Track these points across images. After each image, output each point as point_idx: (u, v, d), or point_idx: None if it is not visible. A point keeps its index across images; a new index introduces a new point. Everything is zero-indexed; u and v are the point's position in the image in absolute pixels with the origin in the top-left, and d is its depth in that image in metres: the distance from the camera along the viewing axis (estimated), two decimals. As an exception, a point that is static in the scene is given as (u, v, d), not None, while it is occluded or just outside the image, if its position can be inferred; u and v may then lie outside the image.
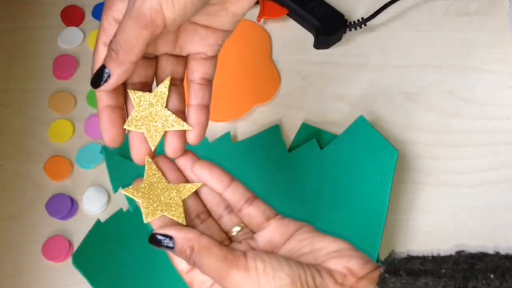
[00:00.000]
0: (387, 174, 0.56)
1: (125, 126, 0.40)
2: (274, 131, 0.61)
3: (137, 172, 0.57)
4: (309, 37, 0.66)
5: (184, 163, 0.41)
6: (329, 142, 0.59)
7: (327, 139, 0.60)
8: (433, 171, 0.60)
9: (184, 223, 0.40)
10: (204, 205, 0.42)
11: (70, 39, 0.66)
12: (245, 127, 0.62)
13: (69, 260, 0.55)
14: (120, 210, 0.57)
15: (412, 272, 0.34)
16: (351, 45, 0.66)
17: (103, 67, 0.40)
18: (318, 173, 0.57)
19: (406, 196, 0.59)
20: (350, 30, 0.65)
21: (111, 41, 0.38)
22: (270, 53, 0.66)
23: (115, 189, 0.57)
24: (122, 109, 0.41)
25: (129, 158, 0.57)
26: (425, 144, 0.61)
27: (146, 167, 0.41)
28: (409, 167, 0.60)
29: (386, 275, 0.34)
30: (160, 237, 0.38)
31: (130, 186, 0.41)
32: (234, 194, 0.40)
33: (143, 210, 0.40)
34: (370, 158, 0.57)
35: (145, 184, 0.41)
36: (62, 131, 0.62)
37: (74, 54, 0.66)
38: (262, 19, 0.66)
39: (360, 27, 0.65)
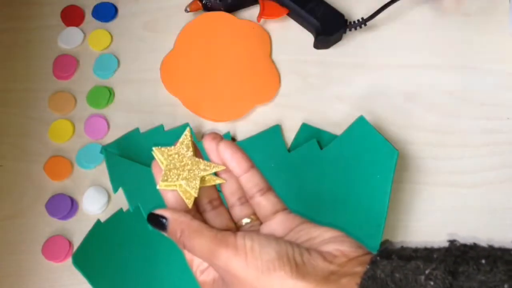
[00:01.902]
0: (387, 174, 0.56)
1: (161, 183, 0.39)
2: (274, 131, 0.61)
3: (137, 172, 0.57)
4: (309, 37, 0.66)
5: (210, 145, 0.41)
6: (329, 142, 0.59)
7: (327, 139, 0.60)
8: (433, 171, 0.60)
9: (196, 195, 0.40)
10: (218, 193, 0.42)
11: (70, 39, 0.66)
12: (245, 127, 0.62)
13: (69, 260, 0.55)
14: (120, 210, 0.57)
15: (403, 257, 0.35)
16: (351, 45, 0.66)
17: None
18: (318, 173, 0.57)
19: (406, 196, 0.59)
20: (350, 30, 0.65)
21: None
22: (270, 53, 0.66)
23: (115, 189, 0.57)
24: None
25: (129, 158, 0.58)
26: (425, 144, 0.61)
27: (182, 137, 0.41)
28: (409, 167, 0.60)
29: (378, 258, 0.35)
30: (156, 217, 0.39)
31: (162, 147, 0.40)
32: (250, 181, 0.41)
33: (163, 172, 0.40)
34: (370, 158, 0.57)
35: (175, 151, 0.40)
36: (62, 131, 0.62)
37: (74, 54, 0.66)
38: (262, 19, 0.66)
39: (360, 27, 0.65)
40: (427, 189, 0.59)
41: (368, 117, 0.60)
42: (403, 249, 0.36)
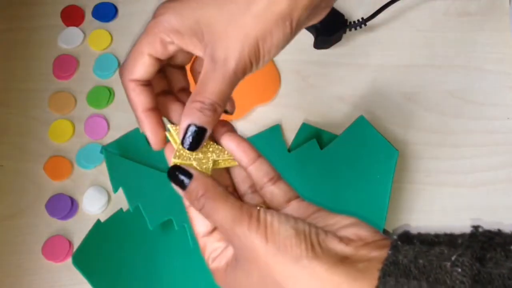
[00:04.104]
0: (387, 174, 0.56)
1: (173, 160, 0.38)
2: (274, 131, 0.61)
3: (137, 172, 0.57)
4: (309, 37, 0.66)
5: (220, 133, 0.40)
6: (329, 142, 0.59)
7: (327, 139, 0.60)
8: (433, 171, 0.60)
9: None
10: (231, 180, 0.41)
11: (70, 39, 0.66)
12: (245, 127, 0.62)
13: (69, 260, 0.55)
14: (120, 210, 0.57)
15: (425, 242, 0.34)
16: (351, 45, 0.66)
17: (193, 127, 0.38)
18: (318, 173, 0.57)
19: (406, 196, 0.59)
20: (350, 30, 0.65)
21: (197, 100, 0.37)
22: (270, 53, 0.66)
23: (115, 189, 0.57)
24: (159, 110, 0.40)
25: (129, 158, 0.58)
26: (425, 144, 0.61)
27: None
28: (409, 167, 0.60)
29: (399, 242, 0.33)
30: (179, 171, 0.37)
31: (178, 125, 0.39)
32: (258, 170, 0.40)
33: (175, 150, 0.38)
34: (370, 158, 0.57)
35: (195, 153, 0.39)
36: (62, 131, 0.62)
37: (74, 54, 0.66)
38: (262, 19, 0.66)
39: (360, 27, 0.65)
40: (427, 189, 0.59)
41: (368, 117, 0.60)
42: (423, 234, 0.35)
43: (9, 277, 0.56)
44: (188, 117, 0.37)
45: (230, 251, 0.38)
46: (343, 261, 0.33)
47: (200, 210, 0.37)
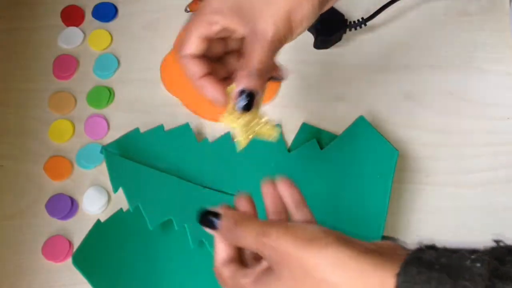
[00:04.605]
0: (387, 174, 0.56)
1: (225, 115, 0.44)
2: (274, 131, 0.61)
3: (137, 172, 0.57)
4: (309, 37, 0.66)
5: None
6: (329, 142, 0.59)
7: (327, 139, 0.60)
8: (433, 171, 0.60)
9: (245, 145, 0.45)
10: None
11: (70, 39, 0.66)
12: (245, 127, 0.62)
13: (69, 260, 0.55)
14: (120, 210, 0.57)
15: (448, 250, 0.35)
16: (351, 45, 0.66)
17: (244, 92, 0.43)
18: (318, 173, 0.57)
19: (406, 196, 0.59)
20: (350, 30, 0.65)
21: (245, 69, 0.43)
22: (270, 53, 0.65)
23: (115, 189, 0.57)
24: (215, 75, 0.45)
25: (129, 158, 0.58)
26: (425, 144, 0.61)
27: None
28: (409, 167, 0.60)
29: (423, 246, 0.35)
30: (207, 214, 0.41)
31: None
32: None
33: (225, 112, 0.44)
34: (370, 158, 0.57)
35: (244, 118, 0.44)
36: (62, 131, 0.62)
37: (74, 54, 0.66)
38: (262, 19, 0.66)
39: (360, 27, 0.65)
40: (427, 189, 0.59)
41: (368, 117, 0.60)
42: (446, 246, 0.36)
43: (9, 277, 0.56)
44: (239, 83, 0.43)
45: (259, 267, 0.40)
46: (367, 252, 0.35)
47: (232, 240, 0.40)
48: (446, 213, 0.58)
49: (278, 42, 0.43)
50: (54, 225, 0.58)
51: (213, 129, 0.62)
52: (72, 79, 0.65)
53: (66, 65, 0.65)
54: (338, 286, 0.35)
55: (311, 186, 0.57)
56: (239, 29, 0.44)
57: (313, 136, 0.60)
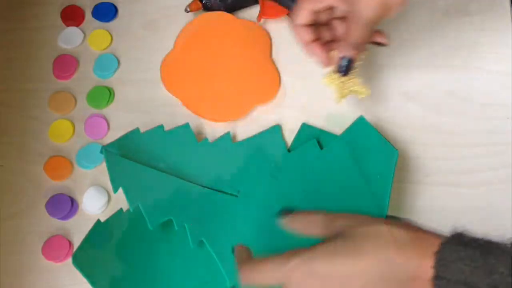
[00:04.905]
0: (387, 174, 0.56)
1: (329, 75, 0.57)
2: (274, 131, 0.61)
3: (137, 172, 0.57)
4: (309, 37, 0.66)
5: None
6: (329, 142, 0.59)
7: (327, 139, 0.60)
8: (433, 171, 0.60)
9: (340, 101, 0.58)
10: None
11: (70, 39, 0.66)
12: (245, 127, 0.62)
13: (69, 260, 0.55)
14: (120, 210, 0.57)
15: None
16: (351, 45, 0.66)
17: (345, 59, 0.54)
18: (318, 173, 0.57)
19: (406, 196, 0.59)
20: (350, 30, 0.65)
21: (346, 41, 0.53)
22: (270, 53, 0.66)
23: (115, 189, 0.56)
24: (322, 42, 0.56)
25: (129, 158, 0.58)
26: (425, 144, 0.61)
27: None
28: (409, 167, 0.60)
29: (462, 231, 0.42)
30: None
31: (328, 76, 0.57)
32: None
33: (327, 73, 0.57)
34: (370, 158, 0.57)
35: (341, 78, 0.56)
36: (62, 131, 0.62)
37: (74, 54, 0.66)
38: (262, 19, 0.66)
39: (360, 27, 0.65)
40: (427, 189, 0.59)
41: (368, 117, 0.60)
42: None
43: (9, 277, 0.56)
44: (341, 52, 0.54)
45: None
46: (408, 228, 0.43)
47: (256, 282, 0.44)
48: (446, 213, 0.58)
49: (374, 23, 0.51)
50: (54, 225, 0.58)
51: (213, 129, 0.62)
52: (72, 79, 0.65)
53: (66, 65, 0.65)
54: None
55: (311, 186, 0.57)
56: (342, 8, 0.54)
57: (313, 136, 0.60)
